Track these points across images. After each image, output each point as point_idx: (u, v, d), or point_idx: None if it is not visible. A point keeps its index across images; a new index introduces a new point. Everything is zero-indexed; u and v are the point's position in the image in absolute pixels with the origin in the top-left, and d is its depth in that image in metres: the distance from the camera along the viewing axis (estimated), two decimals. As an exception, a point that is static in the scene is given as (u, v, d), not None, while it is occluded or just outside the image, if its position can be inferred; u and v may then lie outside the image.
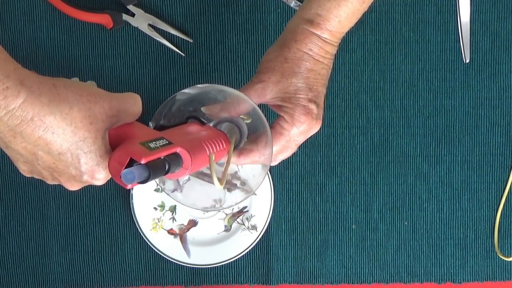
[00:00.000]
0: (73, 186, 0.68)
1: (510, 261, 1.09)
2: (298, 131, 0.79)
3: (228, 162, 0.75)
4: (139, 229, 1.07)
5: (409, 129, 1.07)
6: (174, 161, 0.64)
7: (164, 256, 1.07)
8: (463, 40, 1.06)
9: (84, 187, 1.07)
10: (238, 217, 1.08)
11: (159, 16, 1.05)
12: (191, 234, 1.08)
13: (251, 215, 1.08)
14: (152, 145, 0.63)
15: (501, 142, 1.07)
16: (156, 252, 1.07)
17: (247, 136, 0.78)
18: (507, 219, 1.09)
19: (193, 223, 1.08)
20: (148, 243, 1.07)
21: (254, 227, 1.07)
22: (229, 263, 1.07)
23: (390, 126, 1.07)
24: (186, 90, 0.76)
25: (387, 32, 1.06)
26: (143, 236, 1.07)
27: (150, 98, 1.05)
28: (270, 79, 0.79)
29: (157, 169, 0.62)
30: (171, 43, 1.05)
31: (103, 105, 0.64)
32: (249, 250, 1.07)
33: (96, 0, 1.05)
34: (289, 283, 1.09)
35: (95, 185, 0.68)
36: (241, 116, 0.79)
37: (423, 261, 1.09)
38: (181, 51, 1.05)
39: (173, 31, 1.05)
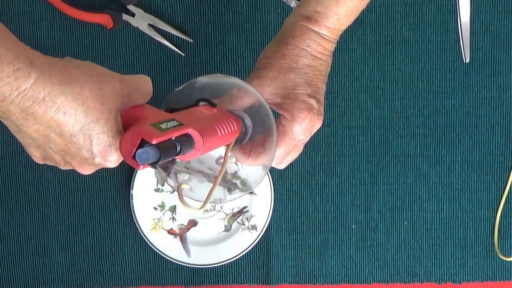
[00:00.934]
0: (85, 170, 0.67)
1: (510, 261, 1.09)
2: (301, 128, 0.78)
3: (225, 159, 0.74)
4: (139, 229, 1.07)
5: (409, 129, 1.07)
6: (185, 142, 0.64)
7: (164, 256, 1.07)
8: (463, 40, 1.06)
9: (85, 186, 1.07)
10: (238, 217, 1.08)
11: (159, 16, 1.05)
12: (191, 234, 1.08)
13: (251, 215, 1.08)
14: (163, 126, 0.63)
15: (501, 142, 1.07)
16: (156, 252, 1.07)
17: (253, 134, 0.78)
18: (507, 219, 1.08)
19: (193, 223, 1.08)
20: (148, 243, 1.07)
21: (254, 227, 1.07)
22: (229, 263, 1.07)
23: (390, 126, 1.07)
24: (199, 79, 0.76)
25: (387, 32, 1.06)
26: (143, 236, 1.07)
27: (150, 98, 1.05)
28: (267, 75, 0.78)
29: (168, 150, 0.62)
30: (171, 43, 1.05)
31: (113, 85, 0.64)
32: (249, 250, 1.07)
33: (96, 0, 1.05)
34: (289, 283, 1.09)
35: (108, 168, 0.67)
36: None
37: (423, 261, 1.09)
38: (181, 51, 1.05)
39: (173, 31, 1.05)
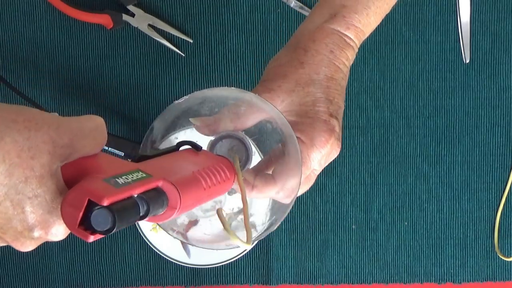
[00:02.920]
0: (24, 246, 0.54)
1: (510, 261, 1.09)
2: (320, 155, 0.63)
3: (244, 201, 0.60)
4: (139, 229, 1.07)
5: (409, 129, 1.07)
6: (154, 199, 0.50)
7: (164, 256, 1.07)
8: (463, 40, 1.06)
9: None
10: (238, 216, 1.08)
11: (159, 16, 1.05)
12: (191, 234, 1.08)
13: (251, 214, 1.08)
14: (120, 180, 0.49)
15: (501, 142, 1.07)
16: (156, 252, 1.07)
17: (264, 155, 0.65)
18: (507, 219, 1.08)
19: (193, 223, 1.08)
20: (148, 243, 1.07)
21: (254, 227, 1.07)
22: (229, 263, 1.07)
23: (390, 126, 1.07)
24: (201, 92, 0.63)
25: (387, 32, 1.06)
26: (143, 236, 1.07)
27: (150, 98, 1.05)
28: (280, 87, 0.63)
29: (125, 212, 0.47)
30: (171, 43, 1.05)
31: (47, 132, 0.49)
32: (249, 250, 1.07)
33: (96, 0, 1.05)
34: (289, 283, 1.09)
35: (54, 241, 0.54)
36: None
37: (423, 261, 1.09)
38: (181, 51, 1.05)
39: (173, 31, 1.05)
